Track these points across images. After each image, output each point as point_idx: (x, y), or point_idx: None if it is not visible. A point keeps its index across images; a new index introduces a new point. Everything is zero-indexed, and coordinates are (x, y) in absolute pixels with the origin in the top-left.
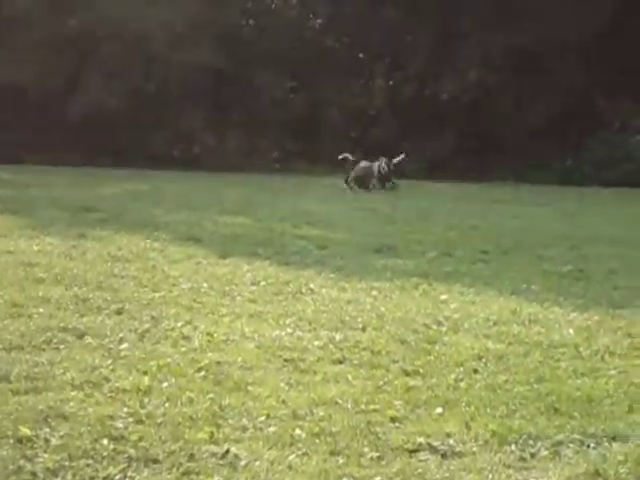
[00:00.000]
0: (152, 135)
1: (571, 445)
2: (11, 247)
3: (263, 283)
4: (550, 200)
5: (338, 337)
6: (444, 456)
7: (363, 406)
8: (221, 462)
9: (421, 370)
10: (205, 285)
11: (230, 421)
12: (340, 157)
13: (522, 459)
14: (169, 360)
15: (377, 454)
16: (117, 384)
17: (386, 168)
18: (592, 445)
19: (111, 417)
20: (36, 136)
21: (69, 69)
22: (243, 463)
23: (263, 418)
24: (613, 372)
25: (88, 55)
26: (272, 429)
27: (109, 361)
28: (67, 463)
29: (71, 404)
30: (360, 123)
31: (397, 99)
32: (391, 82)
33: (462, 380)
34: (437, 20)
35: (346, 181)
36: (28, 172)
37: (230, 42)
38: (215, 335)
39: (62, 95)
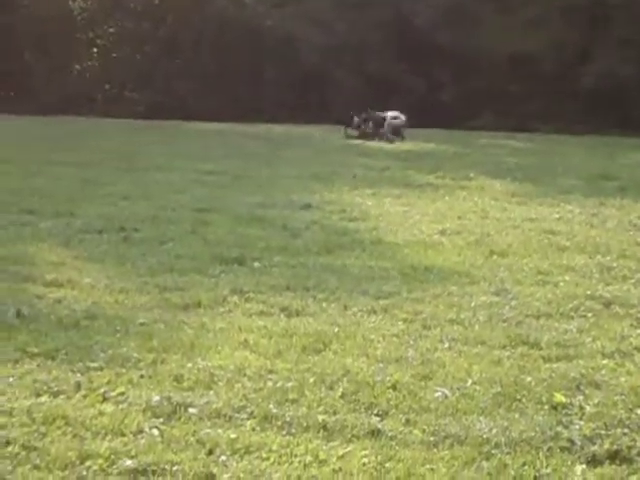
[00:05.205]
0: None
1: None
2: (532, 214)
3: None
4: None
5: None
6: None
7: None
8: None
9: None
10: None
11: None
12: None
13: None
14: None
15: None
16: None
17: None
18: None
19: None
20: (549, 105)
21: (581, 38)
22: None
23: None
24: None
25: (600, 23)
26: None
27: (638, 331)
28: (603, 431)
29: (603, 372)
30: None
31: None
32: None
33: None
34: None
35: None
36: (541, 141)
37: None
38: None
39: (575, 64)
